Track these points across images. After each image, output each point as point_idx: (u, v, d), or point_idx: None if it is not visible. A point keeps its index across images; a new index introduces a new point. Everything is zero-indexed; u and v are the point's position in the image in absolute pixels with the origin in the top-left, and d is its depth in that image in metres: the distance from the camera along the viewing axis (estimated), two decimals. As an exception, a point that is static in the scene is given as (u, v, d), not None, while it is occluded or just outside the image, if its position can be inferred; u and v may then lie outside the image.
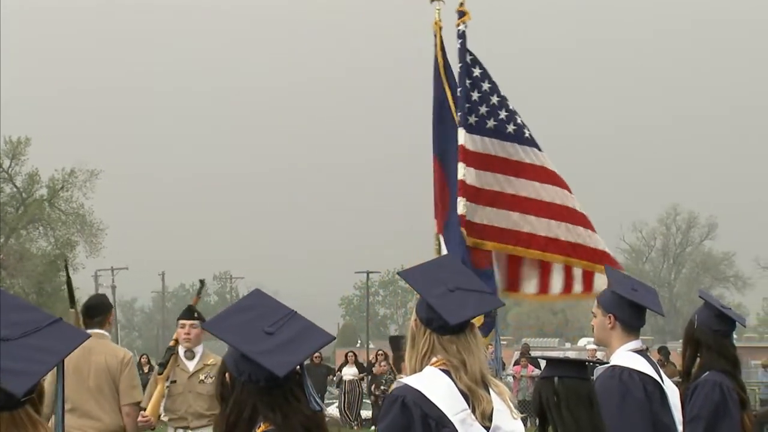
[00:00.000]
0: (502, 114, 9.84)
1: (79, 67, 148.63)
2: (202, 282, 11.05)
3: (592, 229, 10.08)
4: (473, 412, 4.73)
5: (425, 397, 4.73)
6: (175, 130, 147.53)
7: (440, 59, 10.17)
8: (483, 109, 9.80)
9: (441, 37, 10.19)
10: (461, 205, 9.66)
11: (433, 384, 4.76)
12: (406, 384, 4.81)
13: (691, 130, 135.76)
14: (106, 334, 9.81)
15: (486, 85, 9.86)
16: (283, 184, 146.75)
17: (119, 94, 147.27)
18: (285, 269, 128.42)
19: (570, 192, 10.05)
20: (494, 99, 9.84)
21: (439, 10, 10.19)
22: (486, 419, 4.74)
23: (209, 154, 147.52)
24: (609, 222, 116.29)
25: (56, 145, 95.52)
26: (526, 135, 9.94)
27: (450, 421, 4.69)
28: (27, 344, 3.40)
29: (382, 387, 30.38)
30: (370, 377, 31.96)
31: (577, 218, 10.00)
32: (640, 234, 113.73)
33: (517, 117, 9.91)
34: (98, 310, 9.74)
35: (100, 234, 66.35)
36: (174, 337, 10.19)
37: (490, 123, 9.81)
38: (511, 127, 9.87)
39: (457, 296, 4.84)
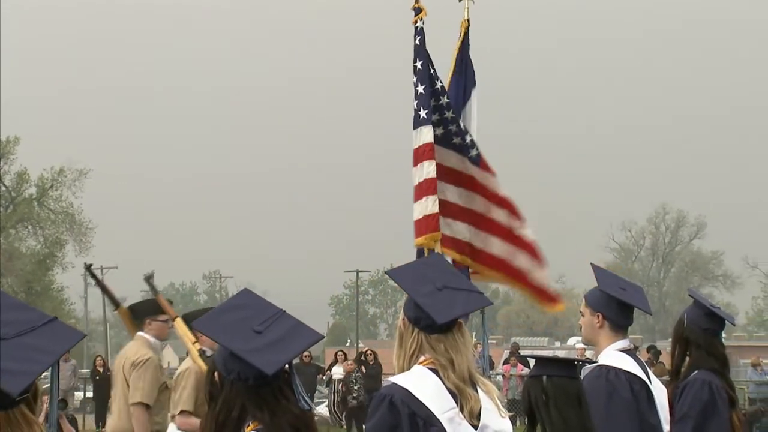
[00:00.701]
0: (452, 127, 9.83)
1: (70, 66, 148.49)
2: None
3: (538, 261, 10.02)
4: (461, 410, 4.74)
5: (413, 395, 4.74)
6: (164, 129, 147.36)
7: (455, 57, 10.16)
8: (434, 117, 9.81)
9: (467, 35, 10.17)
10: (431, 203, 9.59)
11: (421, 383, 4.77)
12: (393, 383, 4.82)
13: (680, 129, 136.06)
14: (146, 337, 9.65)
15: (438, 84, 9.88)
16: (274, 184, 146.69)
17: (110, 93, 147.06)
18: (274, 268, 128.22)
19: (519, 218, 9.98)
20: (448, 114, 9.83)
21: (467, 8, 10.17)
22: (474, 418, 4.76)
23: (199, 154, 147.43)
24: (599, 221, 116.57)
25: (45, 145, 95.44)
26: (471, 154, 9.89)
27: (438, 419, 4.70)
28: (22, 344, 3.41)
29: (352, 395, 30.08)
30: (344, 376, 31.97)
31: (520, 244, 9.96)
32: (630, 233, 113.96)
33: (467, 136, 9.90)
34: (136, 314, 9.70)
35: (89, 233, 66.35)
36: (194, 340, 9.20)
37: (438, 131, 9.81)
38: (457, 140, 9.85)
39: (445, 295, 4.85)
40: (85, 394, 36.69)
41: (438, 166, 9.64)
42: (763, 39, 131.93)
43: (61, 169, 64.67)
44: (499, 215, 9.86)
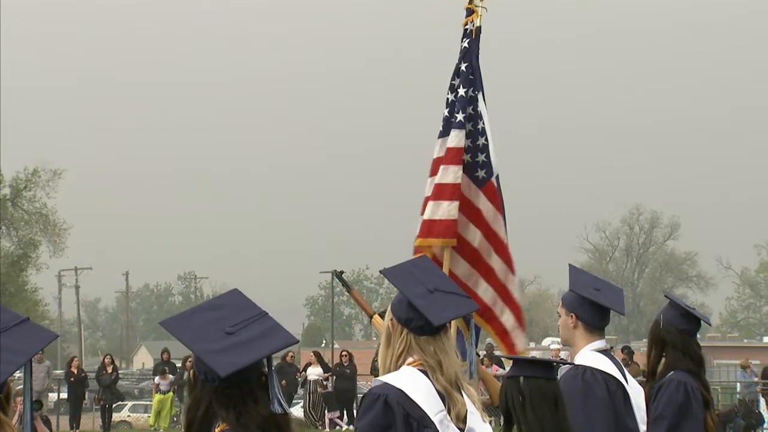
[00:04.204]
0: (468, 142, 9.64)
1: (44, 66, 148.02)
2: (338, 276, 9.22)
3: (520, 325, 9.74)
4: (448, 413, 4.74)
5: (407, 396, 4.74)
6: (139, 130, 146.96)
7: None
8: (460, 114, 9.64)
9: (475, 41, 10.02)
10: (452, 209, 9.36)
11: (414, 383, 4.77)
12: (386, 382, 4.81)
13: (654, 130, 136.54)
14: None
15: (462, 92, 9.71)
16: (248, 184, 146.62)
17: (83, 94, 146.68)
18: (249, 269, 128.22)
19: (512, 272, 9.70)
20: (469, 126, 9.64)
21: (480, 16, 10.03)
22: (460, 421, 4.76)
23: (174, 154, 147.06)
24: (573, 222, 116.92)
25: (19, 145, 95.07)
26: (478, 175, 9.63)
27: (431, 420, 4.70)
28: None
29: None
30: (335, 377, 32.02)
31: (509, 302, 9.69)
32: (604, 234, 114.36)
33: (479, 155, 9.70)
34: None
35: (63, 234, 65.99)
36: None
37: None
38: (467, 157, 9.64)
39: (437, 297, 4.86)
40: (59, 395, 36.56)
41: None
42: (740, 40, 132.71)
43: (35, 170, 64.32)
44: (496, 263, 9.45)
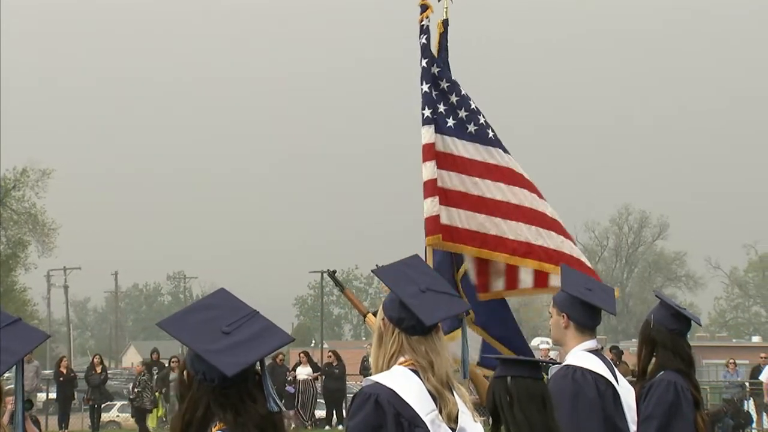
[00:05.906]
0: (462, 113, 9.69)
1: (31, 68, 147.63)
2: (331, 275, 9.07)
3: (566, 235, 9.95)
4: (440, 413, 4.74)
5: (398, 396, 4.74)
6: (128, 130, 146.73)
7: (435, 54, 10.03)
8: (441, 107, 9.67)
9: (443, 34, 10.02)
10: (432, 205, 9.39)
11: (405, 383, 4.77)
12: (377, 382, 4.80)
13: (642, 130, 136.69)
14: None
15: (444, 84, 9.74)
16: (237, 184, 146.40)
17: (72, 94, 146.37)
18: (238, 269, 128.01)
19: (540, 196, 9.87)
20: (453, 98, 9.70)
21: (446, 8, 10.05)
22: (452, 421, 4.76)
23: (161, 154, 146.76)
24: (562, 221, 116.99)
25: (7, 144, 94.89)
26: (490, 135, 9.76)
27: (422, 420, 4.70)
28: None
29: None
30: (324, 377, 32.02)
31: (548, 223, 9.84)
32: (593, 234, 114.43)
33: (479, 117, 9.75)
34: None
35: (52, 234, 65.96)
36: None
37: (450, 121, 9.68)
38: (472, 127, 9.72)
39: (429, 297, 4.86)
40: (47, 395, 36.50)
41: (456, 157, 9.49)
42: (736, 40, 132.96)
43: (24, 170, 64.29)
44: (529, 200, 9.68)
